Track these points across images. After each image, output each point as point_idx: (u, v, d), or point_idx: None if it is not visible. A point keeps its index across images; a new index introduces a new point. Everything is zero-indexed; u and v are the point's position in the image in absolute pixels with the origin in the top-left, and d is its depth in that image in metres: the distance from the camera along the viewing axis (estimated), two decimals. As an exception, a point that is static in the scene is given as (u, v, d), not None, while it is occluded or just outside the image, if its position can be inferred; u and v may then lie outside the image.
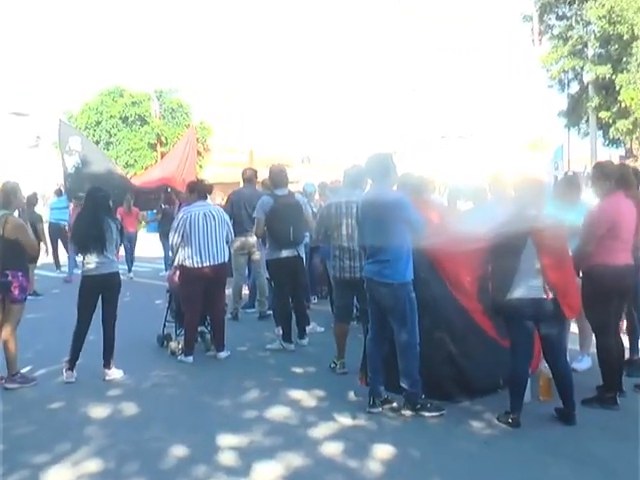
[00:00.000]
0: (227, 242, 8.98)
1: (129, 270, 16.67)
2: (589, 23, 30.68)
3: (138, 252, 17.85)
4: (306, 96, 45.03)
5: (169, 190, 16.84)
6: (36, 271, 13.68)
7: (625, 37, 28.66)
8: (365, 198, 6.76)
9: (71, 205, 16.20)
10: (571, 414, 6.09)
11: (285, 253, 8.99)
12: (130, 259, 17.13)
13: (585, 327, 7.49)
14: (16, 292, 7.68)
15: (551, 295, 5.95)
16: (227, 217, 9.11)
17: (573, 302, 6.12)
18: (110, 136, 45.11)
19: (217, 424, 6.25)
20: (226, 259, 8.89)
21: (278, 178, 9.28)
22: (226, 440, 5.88)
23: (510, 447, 5.68)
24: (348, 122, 43.63)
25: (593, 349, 7.09)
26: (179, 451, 5.68)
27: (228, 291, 10.71)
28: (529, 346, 6.18)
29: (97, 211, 7.84)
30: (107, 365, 7.91)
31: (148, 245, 20.73)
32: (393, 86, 42.50)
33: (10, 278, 7.65)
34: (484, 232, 6.18)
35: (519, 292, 5.95)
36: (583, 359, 7.76)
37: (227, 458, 5.54)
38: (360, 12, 44.77)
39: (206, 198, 8.98)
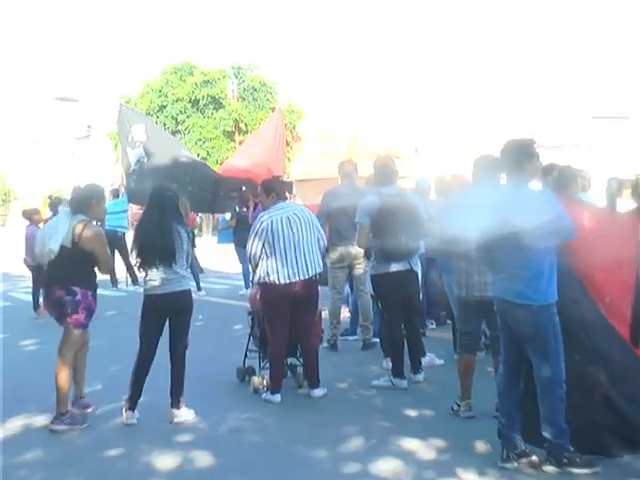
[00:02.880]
0: (320, 250, 8.99)
1: (198, 288, 16.87)
2: None
3: (213, 266, 18.05)
4: (419, 73, 44.61)
5: (244, 189, 16.54)
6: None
7: None
8: (496, 194, 6.69)
9: (131, 209, 16.53)
10: None
11: (395, 267, 8.97)
12: (194, 273, 17.11)
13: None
14: (82, 315, 7.88)
15: None
16: (316, 219, 9.11)
17: None
18: (177, 123, 45.42)
19: (312, 480, 6.30)
20: (319, 272, 8.90)
21: (385, 173, 9.28)
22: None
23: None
24: (469, 105, 43.13)
25: None
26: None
27: (324, 313, 10.78)
28: None
29: (163, 215, 7.87)
30: (176, 404, 7.99)
31: (225, 257, 20.95)
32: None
33: (79, 297, 7.85)
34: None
35: None
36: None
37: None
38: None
39: (286, 198, 8.98)
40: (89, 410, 8.17)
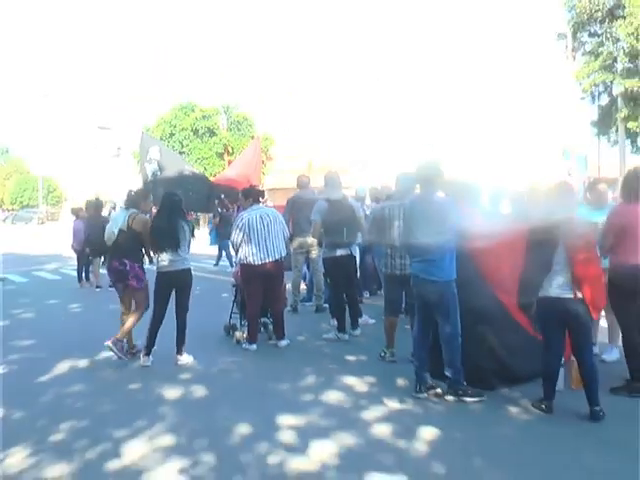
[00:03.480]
0: (284, 239, 8.94)
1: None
2: (618, 40, 30.20)
3: (207, 251, 17.99)
4: (363, 105, 44.91)
5: (222, 196, 16.68)
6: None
7: (652, 53, 28.18)
8: (413, 201, 6.71)
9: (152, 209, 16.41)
10: (594, 410, 5.85)
11: (340, 252, 8.99)
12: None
13: (614, 321, 7.36)
14: (134, 281, 8.05)
15: (579, 295, 5.85)
16: (281, 217, 9.09)
17: (599, 302, 6.02)
18: (182, 147, 45.89)
19: (277, 406, 6.26)
20: (283, 255, 8.86)
21: (332, 183, 9.31)
22: (285, 421, 5.89)
23: (544, 432, 5.59)
24: (401, 129, 43.34)
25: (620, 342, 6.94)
26: (243, 429, 5.71)
27: (288, 286, 10.78)
28: (560, 341, 6.06)
29: (172, 214, 7.89)
30: (179, 351, 7.98)
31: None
32: (442, 95, 42.09)
33: (128, 267, 8.00)
34: (520, 233, 6.15)
35: (550, 291, 5.88)
36: (612, 351, 7.67)
37: (286, 437, 5.55)
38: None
39: (260, 202, 8.99)
40: (135, 352, 8.26)
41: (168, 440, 5.53)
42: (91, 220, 14.82)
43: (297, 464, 5.04)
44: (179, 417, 6.09)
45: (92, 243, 14.26)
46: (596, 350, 7.75)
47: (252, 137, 40.30)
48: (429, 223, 6.26)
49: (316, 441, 5.43)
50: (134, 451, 5.33)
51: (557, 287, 5.87)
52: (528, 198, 7.97)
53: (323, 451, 5.24)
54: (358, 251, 10.94)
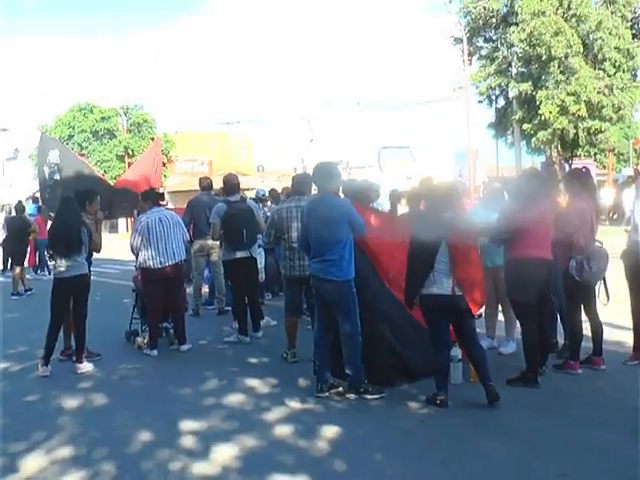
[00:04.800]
0: (184, 243, 8.88)
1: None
2: (512, 45, 31.37)
3: (110, 254, 17.56)
4: (264, 107, 45.08)
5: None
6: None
7: (543, 58, 29.43)
8: (310, 202, 6.77)
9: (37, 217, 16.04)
10: (491, 392, 6.09)
11: (239, 254, 8.99)
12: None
13: (510, 314, 7.62)
14: None
15: (459, 292, 6.06)
16: (181, 220, 9.04)
17: (478, 297, 6.27)
18: (82, 149, 44.77)
19: (179, 411, 6.20)
20: (183, 258, 8.80)
21: (230, 186, 9.30)
22: (187, 426, 5.84)
23: (444, 424, 5.73)
24: (300, 133, 43.67)
25: (519, 335, 7.16)
26: (144, 437, 5.63)
27: (189, 289, 10.68)
28: (446, 335, 6.25)
29: (68, 218, 7.71)
30: (79, 360, 7.81)
31: (115, 248, 20.49)
32: (339, 100, 42.66)
33: None
34: (409, 233, 6.31)
35: (434, 288, 6.04)
36: (509, 344, 7.90)
37: (188, 442, 5.50)
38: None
39: (159, 205, 8.89)
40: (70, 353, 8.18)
41: (67, 451, 5.40)
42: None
43: (199, 469, 5.00)
44: (79, 427, 5.96)
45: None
46: (494, 343, 8.04)
47: (152, 139, 39.58)
48: (326, 223, 6.33)
49: (218, 445, 5.40)
50: (32, 464, 5.17)
51: (439, 284, 6.03)
52: (417, 198, 8.16)
53: (225, 454, 5.22)
54: (263, 253, 10.97)
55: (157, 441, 5.54)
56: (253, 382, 7.08)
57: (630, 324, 7.46)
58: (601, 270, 6.87)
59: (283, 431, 5.67)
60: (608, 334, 7.51)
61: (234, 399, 6.57)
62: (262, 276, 11.05)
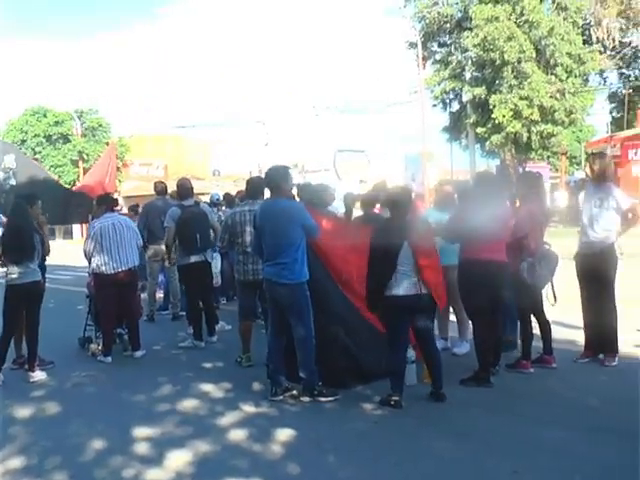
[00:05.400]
0: (138, 247, 8.82)
1: None
2: (466, 50, 31.78)
3: (64, 260, 17.38)
4: (221, 111, 44.97)
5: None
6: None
7: (497, 62, 29.87)
8: (263, 206, 6.78)
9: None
10: (439, 393, 6.27)
11: (194, 258, 8.95)
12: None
13: (462, 316, 7.72)
14: None
15: (424, 290, 6.13)
16: (134, 225, 8.99)
17: (442, 295, 6.36)
18: (35, 154, 44.05)
19: (133, 418, 6.14)
20: (136, 264, 8.73)
21: (184, 190, 9.27)
22: (141, 432, 5.79)
23: (398, 425, 5.78)
24: (256, 137, 43.64)
25: (472, 335, 7.25)
26: (97, 444, 5.56)
27: (144, 295, 10.60)
28: (406, 336, 6.31)
29: (20, 224, 7.59)
30: (31, 368, 7.68)
31: (68, 254, 20.22)
32: (295, 103, 42.86)
33: None
34: (365, 235, 6.37)
35: (398, 289, 6.09)
36: (462, 344, 8.00)
37: (141, 448, 5.46)
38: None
39: (113, 210, 8.82)
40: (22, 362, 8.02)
41: (18, 461, 5.30)
42: None
43: (152, 475, 4.96)
44: (30, 436, 5.86)
45: None
46: (448, 344, 8.13)
47: (107, 143, 39.17)
48: (279, 227, 6.35)
49: (172, 451, 5.36)
50: (-20, 476, 5.08)
51: (403, 286, 6.08)
52: (372, 202, 8.25)
53: (178, 460, 5.18)
54: (219, 257, 10.94)
55: (110, 448, 5.48)
56: (207, 387, 7.05)
57: (581, 323, 7.62)
58: (551, 272, 7.01)
59: (237, 435, 5.66)
60: (559, 333, 7.67)
61: (188, 404, 6.54)
62: (218, 280, 11.02)
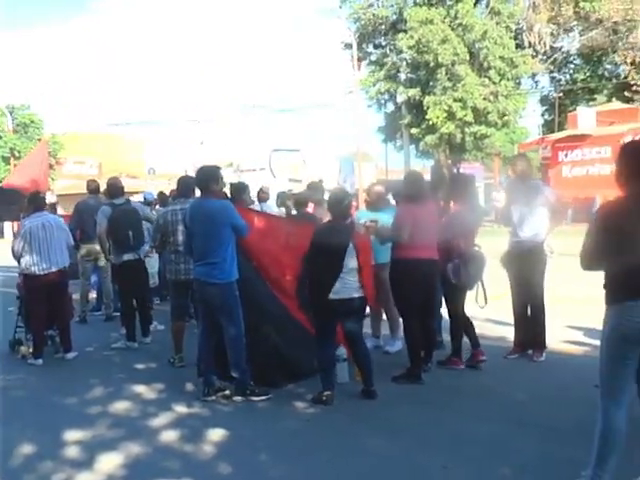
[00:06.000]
0: (68, 248, 8.67)
1: None
2: (401, 52, 32.20)
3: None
4: (156, 109, 44.51)
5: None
6: None
7: (431, 64, 30.31)
8: (193, 205, 6.74)
9: None
10: (370, 391, 6.35)
11: (127, 257, 8.86)
12: None
13: (394, 315, 7.82)
14: None
15: (358, 294, 6.22)
16: (64, 224, 8.81)
17: (371, 295, 6.47)
18: (-38, 151, 42.83)
19: (64, 421, 6.04)
20: (67, 264, 8.57)
21: (115, 189, 9.17)
22: (72, 436, 5.70)
23: (330, 422, 5.82)
24: (191, 135, 43.31)
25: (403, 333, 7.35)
26: (27, 449, 5.45)
27: (76, 296, 10.43)
28: (334, 334, 6.37)
29: None
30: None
31: (3, 253, 19.68)
32: (231, 101, 42.68)
33: None
34: (300, 234, 6.41)
35: (339, 292, 6.13)
36: (394, 343, 8.09)
37: (72, 452, 5.37)
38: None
39: (42, 209, 8.64)
40: None
41: (-57, 469, 5.18)
42: None
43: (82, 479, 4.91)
44: (-45, 442, 5.72)
45: None
46: (380, 342, 8.22)
47: (39, 140, 38.34)
48: (208, 226, 6.33)
49: (103, 454, 5.29)
50: None
51: (345, 287, 6.13)
52: (305, 201, 8.30)
53: (109, 463, 5.12)
54: (157, 257, 10.83)
55: (40, 453, 5.38)
56: (140, 388, 6.98)
57: (511, 320, 7.81)
58: (477, 273, 7.12)
59: (169, 436, 5.62)
60: (490, 330, 7.84)
61: (120, 406, 6.47)
62: (155, 281, 10.92)
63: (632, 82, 32.54)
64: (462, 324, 7.33)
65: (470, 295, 7.30)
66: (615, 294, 4.00)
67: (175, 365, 7.77)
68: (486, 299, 7.20)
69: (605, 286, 4.08)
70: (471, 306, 7.37)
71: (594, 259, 3.98)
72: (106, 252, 9.22)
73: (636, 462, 4.24)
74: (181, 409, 6.30)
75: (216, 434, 5.61)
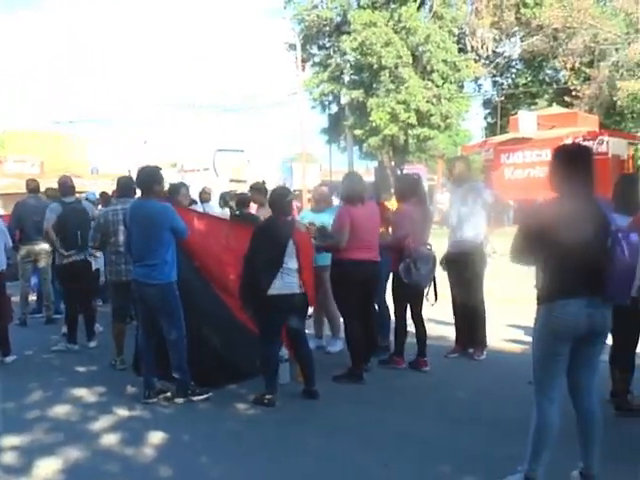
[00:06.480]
0: (5, 250, 8.43)
1: None
2: (345, 53, 32.36)
3: None
4: (100, 107, 43.87)
5: None
6: None
7: (375, 67, 30.55)
8: (132, 206, 6.66)
9: None
10: (312, 391, 6.38)
11: (74, 257, 8.67)
12: None
13: (335, 315, 7.84)
14: None
15: (299, 290, 6.23)
16: (2, 224, 8.60)
17: (312, 295, 6.51)
18: None
19: (1, 426, 5.88)
20: (4, 266, 8.33)
21: (66, 188, 9.00)
22: (9, 441, 5.55)
23: (272, 423, 5.82)
24: (135, 134, 42.85)
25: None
26: (-40, 456, 5.31)
27: (15, 298, 10.20)
28: (279, 334, 6.36)
29: None
30: None
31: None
32: (174, 101, 42.37)
33: None
34: (240, 234, 6.42)
35: (279, 288, 6.12)
36: (335, 343, 8.11)
37: (8, 458, 5.24)
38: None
39: None
40: None
41: None
42: None
43: (19, 485, 4.80)
44: None
45: None
46: (322, 342, 8.24)
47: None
48: (148, 227, 6.28)
49: (41, 459, 5.19)
50: None
51: (286, 284, 6.14)
52: (248, 201, 8.29)
53: (48, 468, 5.02)
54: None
55: (-26, 461, 5.25)
56: (80, 392, 6.86)
57: (451, 319, 7.95)
58: (429, 272, 7.17)
59: (109, 440, 5.55)
60: (431, 329, 7.91)
61: (60, 410, 6.34)
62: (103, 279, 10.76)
63: (572, 87, 33.28)
64: (405, 324, 7.38)
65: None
66: (546, 293, 4.13)
67: (117, 367, 7.66)
68: (436, 297, 7.29)
69: (536, 285, 4.21)
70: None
71: (520, 254, 4.16)
72: (57, 247, 8.92)
73: (570, 456, 4.32)
74: (122, 412, 6.21)
75: (157, 437, 5.55)
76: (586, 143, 20.86)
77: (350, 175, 7.63)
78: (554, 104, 32.64)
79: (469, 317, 7.70)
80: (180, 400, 6.37)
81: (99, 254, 9.33)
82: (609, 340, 5.42)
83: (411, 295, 7.31)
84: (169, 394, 6.44)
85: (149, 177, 6.50)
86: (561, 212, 3.99)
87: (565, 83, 35.17)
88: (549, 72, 39.52)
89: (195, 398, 6.36)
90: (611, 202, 4.81)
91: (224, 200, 9.43)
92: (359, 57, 30.95)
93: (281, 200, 6.38)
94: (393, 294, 7.43)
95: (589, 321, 4.02)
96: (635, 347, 5.70)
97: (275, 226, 6.29)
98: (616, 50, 31.72)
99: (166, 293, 6.29)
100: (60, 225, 8.65)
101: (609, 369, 5.76)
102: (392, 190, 8.29)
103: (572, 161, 4.16)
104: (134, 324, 8.35)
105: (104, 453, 5.31)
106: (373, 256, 6.97)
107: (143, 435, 5.59)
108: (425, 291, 7.28)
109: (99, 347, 8.72)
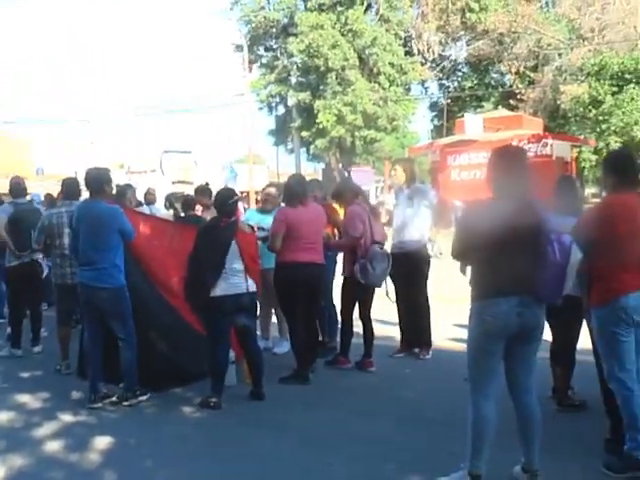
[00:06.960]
0: None
1: None
2: (292, 55, 32.40)
3: None
4: (44, 107, 43.10)
5: None
6: None
7: (322, 69, 30.68)
8: (80, 208, 6.58)
9: None
10: (259, 392, 6.40)
11: (25, 259, 8.45)
12: None
13: (281, 316, 7.86)
14: None
15: (246, 290, 6.24)
16: None
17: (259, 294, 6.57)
18: None
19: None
20: None
21: (18, 189, 8.83)
22: (-50, 452, 5.44)
23: (217, 426, 5.82)
24: (81, 135, 42.23)
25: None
26: None
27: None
28: (227, 337, 6.35)
29: None
30: None
31: None
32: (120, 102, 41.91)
33: None
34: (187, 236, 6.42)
35: (224, 289, 6.12)
36: (282, 344, 8.11)
37: (-53, 469, 5.12)
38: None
39: None
40: None
41: None
42: None
43: (-41, 496, 4.72)
44: None
45: None
46: (269, 344, 8.24)
47: None
48: (96, 230, 6.22)
49: (-19, 468, 5.09)
50: None
51: (231, 285, 6.14)
52: (192, 203, 8.27)
53: (-11, 476, 4.96)
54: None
55: None
56: (24, 398, 6.73)
57: (396, 319, 8.00)
58: (384, 271, 7.22)
59: (54, 446, 5.47)
60: (376, 330, 7.99)
61: (3, 417, 6.22)
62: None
63: (517, 91, 33.88)
64: (352, 324, 7.44)
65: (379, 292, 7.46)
66: (479, 291, 4.23)
67: (62, 372, 7.53)
68: (388, 294, 7.41)
69: (470, 283, 4.30)
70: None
71: (458, 253, 4.31)
72: (11, 247, 8.71)
73: (511, 452, 4.42)
74: (67, 418, 6.13)
75: (102, 442, 5.50)
76: (530, 145, 21.31)
77: (291, 177, 7.66)
78: (499, 107, 33.18)
79: (414, 317, 7.78)
80: (126, 403, 6.31)
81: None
82: (549, 337, 5.61)
83: (362, 295, 7.37)
84: (115, 398, 6.37)
85: (99, 178, 6.44)
86: (493, 212, 4.08)
87: (510, 87, 35.79)
88: (495, 76, 40.21)
89: (140, 398, 6.34)
90: (550, 203, 4.94)
91: (170, 202, 9.35)
92: (306, 59, 31.02)
93: (224, 201, 6.38)
94: (342, 294, 7.47)
95: (520, 320, 4.11)
96: (575, 344, 5.83)
97: (217, 227, 6.28)
98: (559, 55, 32.47)
99: (117, 296, 6.26)
100: (12, 226, 8.46)
101: (550, 366, 5.89)
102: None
103: (506, 163, 4.26)
104: (79, 328, 8.26)
105: (48, 460, 5.24)
106: (317, 258, 6.99)
107: (88, 440, 5.53)
108: (385, 290, 7.38)
109: (43, 352, 8.56)
